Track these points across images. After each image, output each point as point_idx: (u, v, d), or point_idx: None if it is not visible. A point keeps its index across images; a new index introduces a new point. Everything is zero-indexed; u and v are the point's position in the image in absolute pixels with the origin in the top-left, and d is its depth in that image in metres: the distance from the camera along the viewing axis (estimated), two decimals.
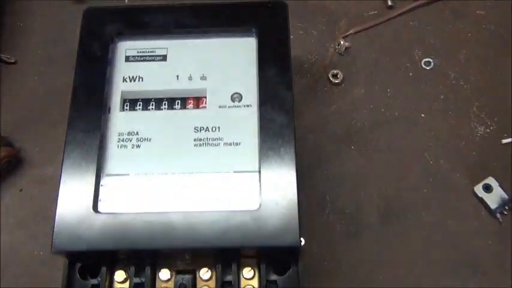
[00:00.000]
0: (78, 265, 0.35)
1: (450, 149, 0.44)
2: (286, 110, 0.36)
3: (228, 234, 0.33)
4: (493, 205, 0.41)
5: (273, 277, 0.35)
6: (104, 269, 0.35)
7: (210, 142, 0.37)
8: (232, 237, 0.33)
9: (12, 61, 0.48)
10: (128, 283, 0.35)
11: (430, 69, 0.47)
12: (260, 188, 0.34)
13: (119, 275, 0.35)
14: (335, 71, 0.47)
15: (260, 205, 0.34)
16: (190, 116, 0.38)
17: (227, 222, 0.33)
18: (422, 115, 0.45)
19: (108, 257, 0.35)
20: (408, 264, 0.40)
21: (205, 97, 0.38)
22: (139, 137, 0.37)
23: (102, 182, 0.35)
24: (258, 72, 0.38)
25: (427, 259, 0.40)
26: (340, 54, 0.48)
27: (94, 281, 0.35)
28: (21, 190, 0.44)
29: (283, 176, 0.35)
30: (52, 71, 0.48)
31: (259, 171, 0.35)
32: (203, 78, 0.39)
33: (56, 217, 0.33)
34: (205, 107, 0.38)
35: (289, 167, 0.35)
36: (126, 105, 0.38)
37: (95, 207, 0.34)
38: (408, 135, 0.45)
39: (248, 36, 0.40)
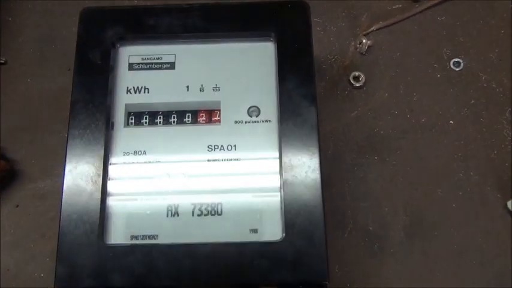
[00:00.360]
0: None
1: (481, 159, 0.41)
2: (310, 127, 0.33)
3: (251, 270, 0.30)
4: None
5: None
6: None
7: (226, 162, 0.33)
8: (255, 272, 0.30)
9: (2, 61, 0.44)
10: None
11: (460, 70, 0.43)
12: (282, 215, 0.31)
13: None
14: (356, 73, 0.43)
15: (283, 235, 0.31)
16: (202, 132, 0.34)
17: (246, 255, 0.30)
18: (451, 122, 0.42)
19: None
20: (436, 284, 0.38)
21: (219, 111, 0.34)
22: (147, 157, 0.33)
23: (108, 209, 0.32)
24: (278, 82, 0.34)
25: (455, 280, 0.38)
26: (362, 53, 0.44)
27: None
28: (17, 206, 0.40)
29: (308, 202, 0.31)
30: (46, 72, 0.44)
31: (281, 195, 0.32)
32: (216, 89, 0.35)
33: (59, 251, 0.30)
34: (219, 122, 0.34)
35: (314, 193, 0.32)
36: (131, 120, 0.34)
37: (101, 237, 0.31)
38: (436, 144, 0.41)
39: (266, 40, 0.36)
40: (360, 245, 0.39)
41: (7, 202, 0.40)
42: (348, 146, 0.42)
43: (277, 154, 0.33)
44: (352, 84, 0.43)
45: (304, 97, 0.33)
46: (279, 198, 0.32)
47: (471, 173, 0.40)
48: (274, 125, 0.34)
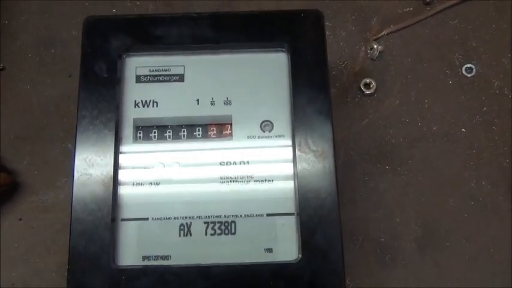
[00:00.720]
0: None
1: (493, 168, 0.40)
2: (325, 141, 0.32)
3: None
4: None
5: None
6: None
7: (239, 180, 0.32)
8: None
9: (0, 67, 0.42)
10: None
11: (472, 76, 0.42)
12: (299, 235, 0.31)
13: None
14: (367, 80, 0.42)
15: (299, 255, 0.30)
16: (214, 148, 0.33)
17: (261, 276, 0.30)
18: (463, 130, 0.41)
19: None
20: None
21: (231, 125, 0.33)
22: (158, 173, 0.32)
23: (118, 229, 0.31)
24: (292, 95, 0.33)
25: None
26: (373, 59, 0.43)
27: None
28: (20, 219, 0.39)
29: (325, 220, 0.31)
30: (45, 78, 0.42)
31: (297, 214, 0.31)
32: (227, 102, 0.34)
33: (70, 275, 0.30)
34: (231, 137, 0.33)
35: (331, 210, 0.31)
36: (139, 134, 0.33)
37: (113, 259, 0.30)
38: (447, 153, 0.41)
39: (278, 51, 0.34)
40: (371, 256, 0.39)
41: (10, 215, 0.39)
42: (358, 155, 0.41)
43: (291, 171, 0.32)
44: (363, 91, 0.42)
45: (319, 110, 0.33)
46: (294, 217, 0.31)
47: (483, 182, 0.40)
48: (288, 140, 0.33)
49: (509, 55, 0.43)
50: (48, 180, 0.40)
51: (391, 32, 0.43)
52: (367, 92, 0.42)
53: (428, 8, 0.44)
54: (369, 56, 0.43)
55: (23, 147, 0.41)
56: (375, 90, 0.42)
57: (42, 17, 0.44)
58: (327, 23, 0.43)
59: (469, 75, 0.43)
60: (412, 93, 0.42)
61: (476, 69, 0.43)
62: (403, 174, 0.40)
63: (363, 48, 0.43)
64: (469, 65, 0.43)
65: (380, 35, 0.43)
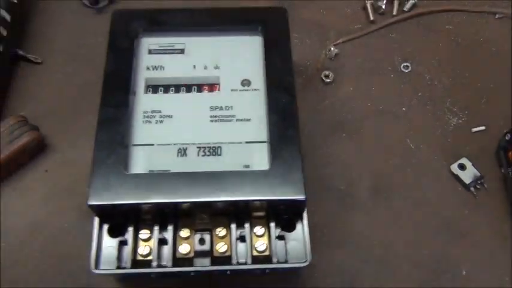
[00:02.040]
0: (106, 226, 0.40)
1: (428, 136, 0.50)
2: (289, 92, 0.43)
3: (245, 189, 0.38)
4: (467, 180, 0.47)
5: (281, 233, 0.40)
6: (130, 228, 0.39)
7: (225, 119, 0.42)
8: (249, 191, 0.38)
9: (39, 61, 0.54)
10: (151, 241, 0.40)
11: (408, 71, 0.54)
12: (269, 154, 0.40)
13: (144, 233, 0.40)
14: (327, 72, 0.54)
15: (270, 166, 0.39)
16: (206, 97, 0.43)
17: (243, 179, 0.38)
18: (403, 109, 0.52)
19: (134, 214, 0.39)
20: (397, 230, 0.45)
21: (219, 83, 0.44)
22: (161, 114, 0.42)
23: (130, 150, 0.40)
24: (264, 63, 0.44)
25: (413, 227, 0.46)
26: (330, 59, 0.55)
27: (121, 238, 0.40)
28: (46, 171, 0.48)
29: (289, 144, 0.40)
30: (75, 70, 0.54)
31: (269, 142, 0.41)
32: (216, 67, 0.45)
33: (92, 177, 0.38)
34: (219, 90, 0.44)
35: (293, 137, 0.40)
36: (149, 89, 0.44)
37: (126, 169, 0.39)
38: (392, 125, 0.51)
39: (255, 34, 0.46)
40: (334, 201, 0.47)
41: (37, 167, 0.48)
42: (321, 126, 0.51)
43: (263, 112, 0.42)
44: (324, 80, 0.53)
45: (284, 71, 0.44)
46: (266, 144, 0.41)
47: (421, 146, 0.50)
48: (262, 92, 0.43)
49: (436, 57, 0.55)
50: (72, 143, 0.49)
51: (345, 41, 0.56)
52: (327, 81, 0.53)
53: (373, 25, 0.57)
54: (327, 56, 0.55)
55: (52, 118, 0.51)
56: (333, 80, 0.53)
57: (73, 25, 0.57)
58: (296, 34, 0.56)
59: (406, 71, 0.55)
60: (362, 83, 0.54)
61: (411, 67, 0.55)
62: (357, 140, 0.50)
63: (323, 51, 0.55)
64: (406, 63, 0.55)
65: (337, 42, 0.56)
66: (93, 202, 0.37)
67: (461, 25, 0.58)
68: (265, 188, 0.38)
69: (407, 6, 0.58)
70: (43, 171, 0.48)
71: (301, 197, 0.38)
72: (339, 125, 0.51)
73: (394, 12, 0.58)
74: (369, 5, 0.58)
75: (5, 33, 0.50)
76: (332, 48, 0.55)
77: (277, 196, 0.38)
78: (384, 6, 0.58)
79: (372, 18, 0.57)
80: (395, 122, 0.51)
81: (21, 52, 0.53)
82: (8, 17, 0.51)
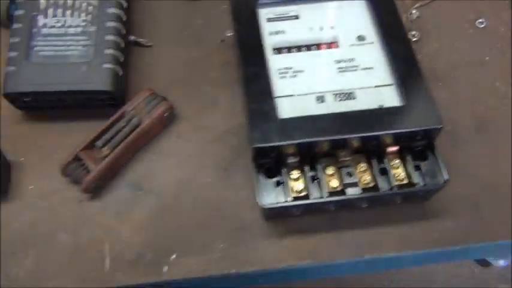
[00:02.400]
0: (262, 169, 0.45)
1: None
2: (403, 41, 0.48)
3: (385, 123, 0.43)
4: None
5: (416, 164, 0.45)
6: (284, 170, 0.44)
7: (350, 69, 0.47)
8: (388, 124, 0.43)
9: (149, 44, 0.59)
10: (300, 180, 0.44)
11: (483, 27, 0.60)
12: (400, 93, 0.45)
13: (294, 173, 0.44)
14: (413, 32, 0.59)
15: (404, 102, 0.44)
16: (329, 53, 0.49)
17: (381, 116, 0.43)
18: (487, 58, 0.58)
19: (286, 155, 0.44)
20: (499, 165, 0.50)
21: (337, 41, 0.49)
22: (294, 70, 0.48)
23: (276, 102, 0.45)
24: (374, 20, 0.50)
25: None
26: (411, 21, 0.60)
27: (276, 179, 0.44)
28: (178, 137, 0.52)
29: (415, 83, 0.45)
30: (182, 50, 0.59)
31: (396, 83, 0.46)
32: (332, 28, 0.50)
33: (251, 124, 0.43)
34: (338, 47, 0.49)
35: (417, 77, 0.46)
36: (276, 51, 0.49)
37: (277, 115, 0.44)
38: (480, 72, 0.57)
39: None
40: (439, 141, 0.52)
41: (170, 135, 0.52)
42: None
43: (384, 60, 0.47)
44: (411, 40, 0.59)
45: (393, 24, 0.49)
46: (393, 86, 0.46)
47: (510, 88, 0.55)
48: (377, 45, 0.49)
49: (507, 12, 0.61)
50: (199, 111, 0.54)
51: (423, 5, 0.62)
52: (414, 39, 0.59)
53: None
54: (409, 19, 0.60)
55: (175, 91, 0.55)
56: (419, 38, 0.59)
57: (176, 11, 0.62)
58: None
59: (481, 26, 0.60)
60: (446, 39, 0.59)
61: (485, 23, 0.60)
62: (453, 87, 0.55)
63: (405, 15, 0.61)
64: (480, 20, 0.60)
65: (416, 6, 0.61)
66: (257, 144, 0.42)
67: None
68: (404, 120, 0.43)
69: None
70: (175, 137, 0.52)
71: (439, 125, 0.43)
72: (433, 75, 0.56)
73: None
74: None
75: (124, 18, 0.55)
76: (413, 11, 0.60)
77: (417, 127, 0.43)
78: None
79: None
80: (481, 69, 0.57)
81: (133, 37, 0.58)
82: (125, 4, 0.56)
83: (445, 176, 0.43)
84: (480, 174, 0.50)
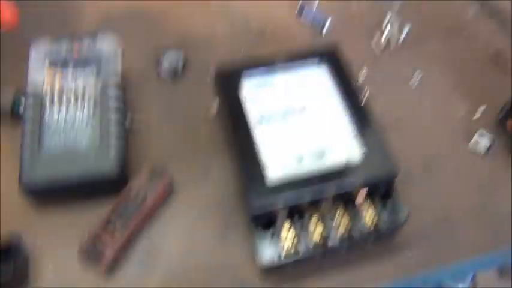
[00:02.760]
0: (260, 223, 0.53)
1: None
2: (358, 101, 0.59)
3: (352, 179, 0.54)
4: None
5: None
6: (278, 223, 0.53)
7: (319, 130, 0.57)
8: (355, 179, 0.53)
9: (141, 125, 0.66)
10: (290, 231, 0.53)
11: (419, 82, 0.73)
12: (361, 147, 0.56)
13: (286, 225, 0.53)
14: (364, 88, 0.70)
15: (364, 158, 0.55)
16: (302, 118, 0.59)
17: (349, 172, 0.54)
18: (426, 106, 0.70)
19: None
20: None
21: (305, 107, 0.60)
22: (277, 135, 0.57)
23: (264, 167, 0.54)
24: (334, 83, 0.61)
25: None
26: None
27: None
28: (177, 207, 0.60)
29: (373, 137, 0.56)
30: (172, 127, 0.67)
31: (358, 140, 0.56)
32: (300, 94, 0.61)
33: (247, 192, 0.52)
34: (307, 111, 0.59)
35: (374, 133, 0.57)
36: (259, 121, 0.58)
37: (266, 182, 0.53)
38: (421, 118, 0.69)
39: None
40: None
41: (170, 206, 0.60)
42: None
43: (345, 120, 0.58)
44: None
45: (350, 89, 0.60)
46: (355, 141, 0.56)
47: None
48: (339, 107, 0.59)
49: None
50: (191, 181, 0.61)
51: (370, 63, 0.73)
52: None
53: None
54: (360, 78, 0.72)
55: (168, 165, 0.62)
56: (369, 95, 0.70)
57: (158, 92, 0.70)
58: None
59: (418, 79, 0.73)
60: (389, 93, 0.71)
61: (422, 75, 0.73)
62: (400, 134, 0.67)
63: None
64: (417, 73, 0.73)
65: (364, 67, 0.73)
66: (255, 213, 0.52)
67: None
68: (367, 174, 0.54)
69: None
70: (174, 209, 0.60)
71: (396, 173, 0.54)
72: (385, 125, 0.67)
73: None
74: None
75: (123, 107, 0.63)
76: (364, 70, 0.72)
77: (378, 179, 0.54)
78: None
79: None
80: (422, 117, 0.69)
81: (127, 122, 0.65)
82: (123, 97, 0.64)
83: (406, 212, 0.54)
84: (430, 206, 0.61)
